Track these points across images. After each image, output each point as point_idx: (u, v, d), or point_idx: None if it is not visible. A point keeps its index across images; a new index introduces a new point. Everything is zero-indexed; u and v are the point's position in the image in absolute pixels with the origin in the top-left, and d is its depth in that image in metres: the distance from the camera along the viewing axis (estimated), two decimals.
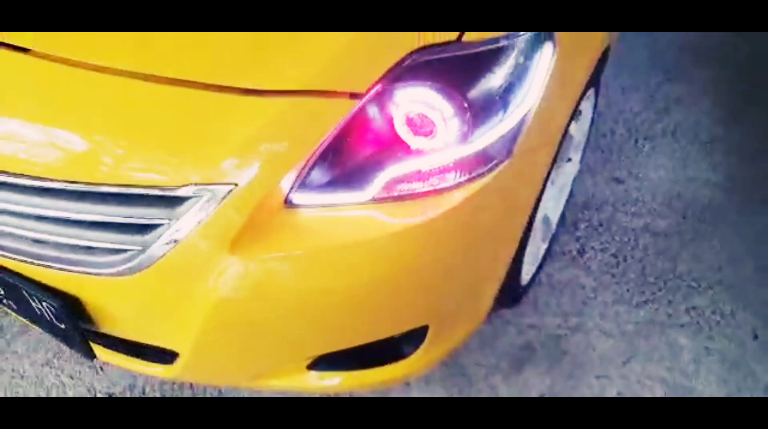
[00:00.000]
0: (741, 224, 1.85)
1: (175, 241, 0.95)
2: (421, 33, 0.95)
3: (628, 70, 2.41)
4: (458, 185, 1.00)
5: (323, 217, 0.99)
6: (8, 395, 1.51)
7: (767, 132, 2.15)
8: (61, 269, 1.03)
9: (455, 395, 1.49)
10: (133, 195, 0.94)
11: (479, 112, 0.97)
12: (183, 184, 0.92)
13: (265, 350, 1.11)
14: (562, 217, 1.79)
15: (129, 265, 0.99)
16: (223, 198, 0.92)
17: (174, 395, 1.50)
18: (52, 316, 1.11)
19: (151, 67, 0.94)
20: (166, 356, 1.18)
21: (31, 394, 1.51)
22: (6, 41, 0.99)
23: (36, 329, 1.60)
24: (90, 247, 1.01)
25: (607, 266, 1.76)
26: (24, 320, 1.27)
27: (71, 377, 1.53)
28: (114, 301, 1.07)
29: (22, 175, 0.97)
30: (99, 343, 1.22)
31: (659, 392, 1.49)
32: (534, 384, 1.51)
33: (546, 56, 1.02)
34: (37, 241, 1.03)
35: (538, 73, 1.01)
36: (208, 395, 1.50)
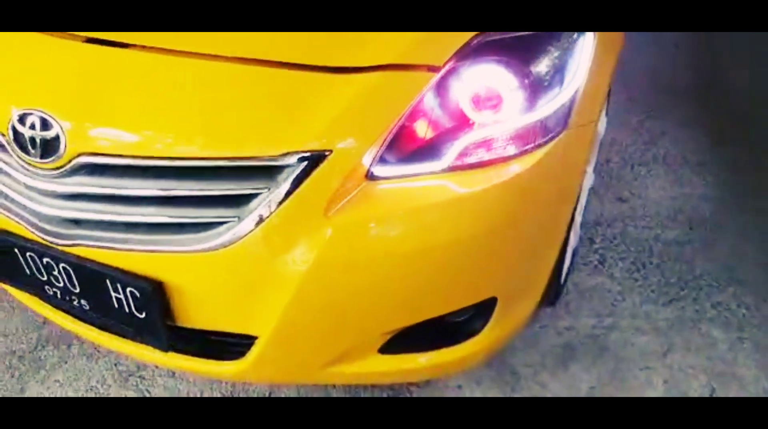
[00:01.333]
0: (742, 230, 1.99)
1: (271, 210, 1.01)
2: None
3: (611, 110, 2.63)
4: (522, 153, 1.10)
5: (402, 188, 1.07)
6: None
7: (747, 154, 2.35)
8: (151, 251, 1.06)
9: (508, 394, 1.51)
10: (234, 167, 1.01)
11: (539, 85, 1.09)
12: (284, 153, 0.99)
13: (344, 326, 1.14)
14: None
15: (223, 238, 1.03)
16: (319, 164, 1.00)
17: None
18: (132, 305, 1.12)
19: (250, 52, 1.04)
20: (237, 350, 1.19)
21: None
22: (106, 38, 1.08)
23: (77, 359, 1.58)
24: (182, 225, 1.05)
25: (629, 272, 1.85)
26: (87, 327, 1.27)
27: None
28: (200, 281, 1.10)
29: (123, 156, 1.03)
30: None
31: (703, 379, 1.54)
32: (582, 378, 1.54)
33: (589, 41, 1.16)
34: (128, 225, 1.07)
35: (584, 55, 1.15)
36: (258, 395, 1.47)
